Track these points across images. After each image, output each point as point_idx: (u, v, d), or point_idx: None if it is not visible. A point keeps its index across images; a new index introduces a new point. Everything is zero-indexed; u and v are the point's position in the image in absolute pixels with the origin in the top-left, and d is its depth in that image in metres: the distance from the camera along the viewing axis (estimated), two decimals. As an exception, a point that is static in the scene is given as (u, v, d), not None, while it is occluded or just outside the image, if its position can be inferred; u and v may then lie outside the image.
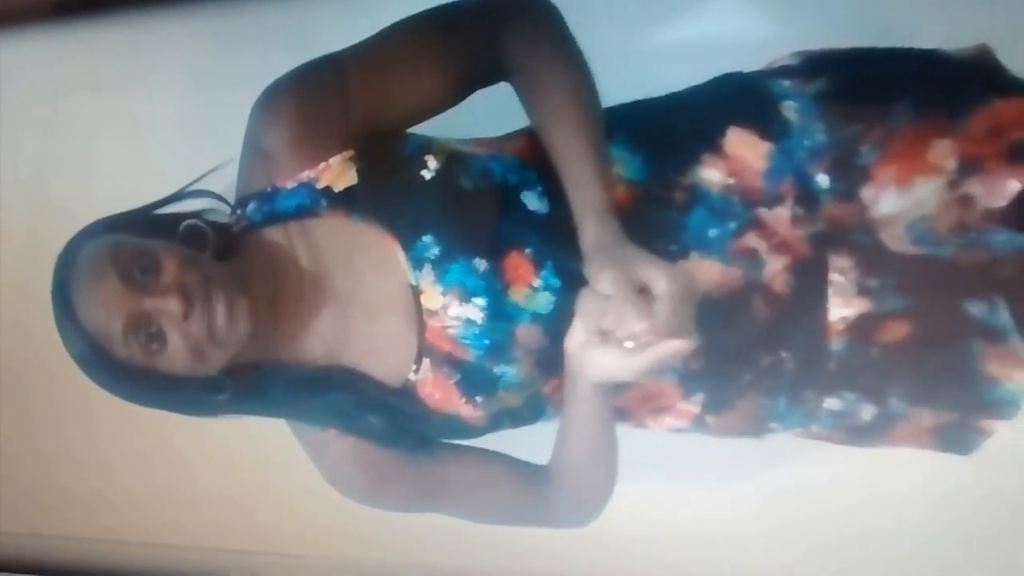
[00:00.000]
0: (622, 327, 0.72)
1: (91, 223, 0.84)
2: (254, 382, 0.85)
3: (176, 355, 0.77)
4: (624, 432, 0.89)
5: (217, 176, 0.88)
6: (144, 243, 0.79)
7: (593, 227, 0.77)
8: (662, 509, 1.14)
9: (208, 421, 0.88)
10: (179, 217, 0.85)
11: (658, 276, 0.71)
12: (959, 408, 0.90)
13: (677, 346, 0.71)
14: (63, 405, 1.37)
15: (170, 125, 1.27)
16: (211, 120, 1.15)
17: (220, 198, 0.87)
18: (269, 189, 0.84)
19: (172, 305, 0.75)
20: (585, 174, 0.79)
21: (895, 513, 1.09)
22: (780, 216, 0.85)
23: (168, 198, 0.86)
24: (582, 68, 0.84)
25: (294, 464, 0.91)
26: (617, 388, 0.85)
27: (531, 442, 0.90)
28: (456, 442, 0.90)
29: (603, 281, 0.73)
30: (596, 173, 0.79)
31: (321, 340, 0.85)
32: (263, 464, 1.29)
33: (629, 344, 0.72)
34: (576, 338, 0.77)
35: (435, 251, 0.80)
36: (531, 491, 0.91)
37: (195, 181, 0.87)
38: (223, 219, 0.87)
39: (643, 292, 0.72)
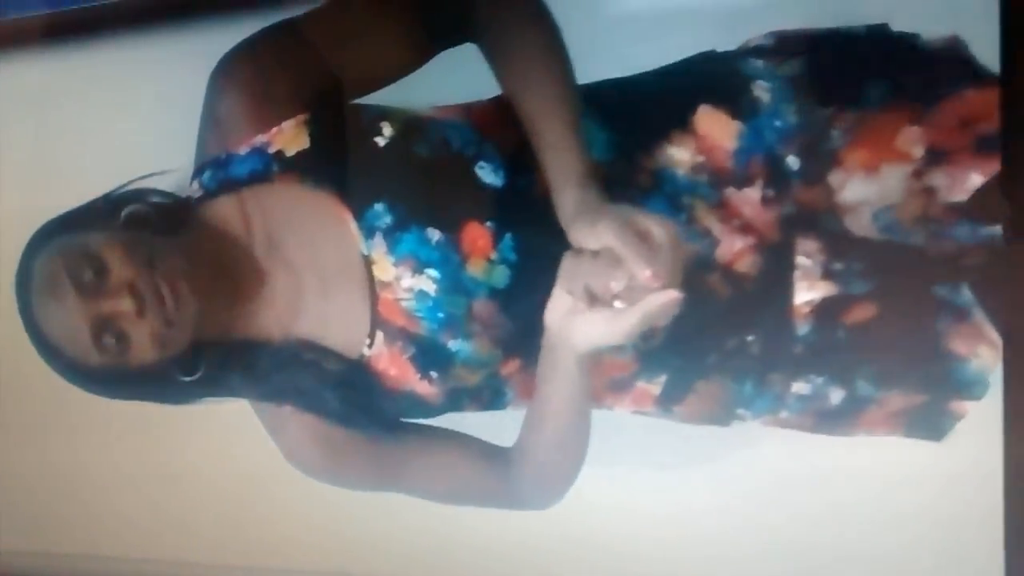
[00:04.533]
0: (617, 280, 0.69)
1: (37, 230, 0.83)
2: (220, 367, 0.84)
3: (142, 348, 0.78)
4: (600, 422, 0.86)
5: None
6: (88, 241, 0.78)
7: (575, 192, 0.75)
8: (625, 493, 1.12)
9: (199, 444, 0.87)
10: (125, 200, 0.84)
11: (656, 223, 0.69)
12: (928, 389, 0.89)
13: (669, 297, 0.68)
14: (54, 422, 1.38)
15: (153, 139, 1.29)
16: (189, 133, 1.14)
17: (166, 194, 0.86)
18: (223, 156, 0.83)
19: (124, 304, 0.76)
20: (563, 140, 0.77)
21: (864, 501, 1.07)
22: (749, 197, 0.84)
23: (110, 193, 0.86)
24: (555, 33, 0.82)
25: (283, 480, 0.90)
26: (596, 364, 0.82)
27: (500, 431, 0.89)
28: (418, 421, 0.88)
29: (599, 233, 0.69)
30: (574, 139, 0.77)
31: (275, 313, 0.83)
32: (253, 480, 1.28)
33: (619, 304, 0.70)
34: (558, 309, 0.74)
35: (387, 220, 0.79)
36: (494, 471, 0.89)
37: (139, 179, 0.86)
38: (180, 192, 0.86)
39: (643, 239, 0.68)
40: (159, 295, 0.76)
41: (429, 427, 0.89)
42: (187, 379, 0.83)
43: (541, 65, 0.81)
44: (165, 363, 0.81)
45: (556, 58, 0.82)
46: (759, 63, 0.90)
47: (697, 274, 0.82)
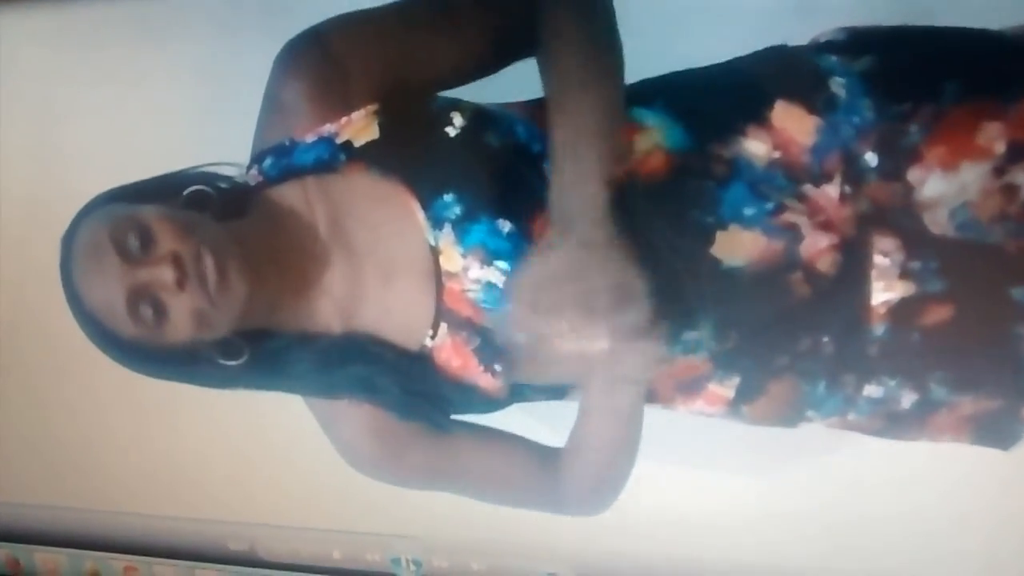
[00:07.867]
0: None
1: (95, 196, 0.83)
2: (269, 354, 0.83)
3: (179, 324, 0.77)
4: (649, 412, 0.86)
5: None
6: (140, 211, 0.78)
7: (570, 250, 0.74)
8: (678, 492, 1.12)
9: (207, 394, 0.87)
10: (188, 180, 0.84)
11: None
12: (1001, 396, 0.86)
13: None
14: (60, 376, 1.38)
15: (172, 111, 1.26)
16: (214, 107, 1.12)
17: (232, 180, 0.86)
18: (287, 143, 0.82)
19: (166, 275, 0.75)
20: (578, 184, 0.75)
21: (927, 507, 1.06)
22: (827, 194, 0.82)
23: (177, 172, 0.86)
24: (609, 50, 0.80)
25: (292, 437, 0.92)
26: (668, 366, 0.83)
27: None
28: (472, 421, 0.88)
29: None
30: (595, 163, 0.75)
31: (334, 301, 0.83)
32: (261, 436, 1.29)
33: None
34: None
35: (456, 210, 0.78)
36: (545, 475, 0.88)
37: (207, 165, 0.86)
38: (238, 178, 0.86)
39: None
40: (204, 271, 0.75)
41: (484, 427, 0.88)
42: (229, 363, 0.82)
43: (576, 98, 0.78)
44: (205, 344, 0.80)
45: (595, 77, 0.79)
46: (833, 58, 0.87)
47: (781, 272, 0.81)
